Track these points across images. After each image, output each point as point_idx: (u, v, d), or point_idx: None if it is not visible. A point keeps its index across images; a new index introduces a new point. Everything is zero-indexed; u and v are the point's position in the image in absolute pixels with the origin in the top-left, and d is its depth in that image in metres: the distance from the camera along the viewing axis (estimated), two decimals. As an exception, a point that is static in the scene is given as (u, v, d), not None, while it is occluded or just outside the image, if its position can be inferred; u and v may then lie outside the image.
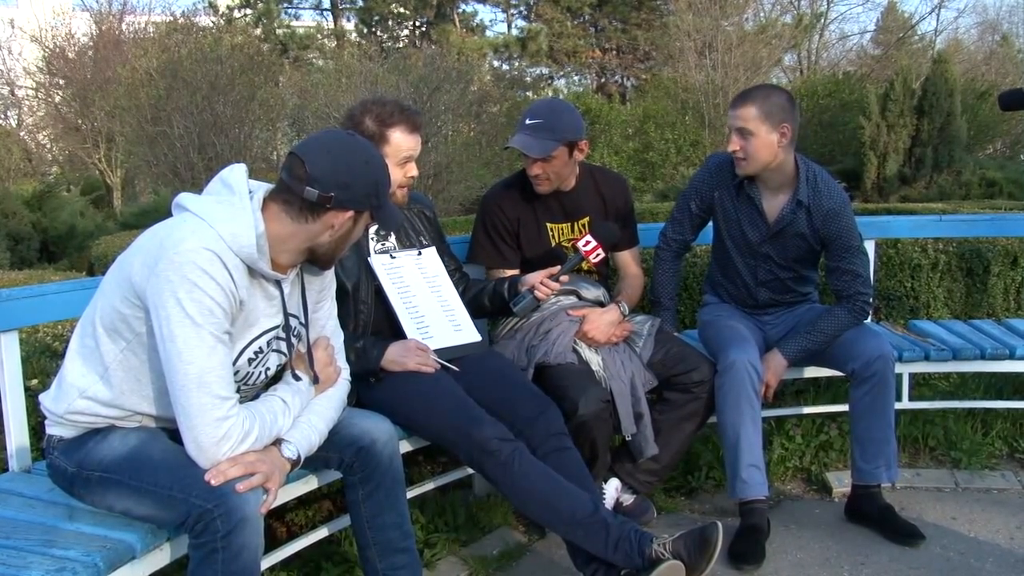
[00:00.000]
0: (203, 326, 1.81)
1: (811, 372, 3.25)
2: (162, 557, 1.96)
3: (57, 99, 20.57)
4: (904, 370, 3.35)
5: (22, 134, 22.63)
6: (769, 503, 2.91)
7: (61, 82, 20.36)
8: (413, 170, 2.70)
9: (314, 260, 2.05)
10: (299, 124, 14.83)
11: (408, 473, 3.11)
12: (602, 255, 2.84)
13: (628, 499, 3.02)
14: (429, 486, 2.90)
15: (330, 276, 2.22)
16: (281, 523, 2.98)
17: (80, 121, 19.47)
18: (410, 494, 2.80)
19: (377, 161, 2.03)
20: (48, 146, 23.16)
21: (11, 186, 15.21)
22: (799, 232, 2.94)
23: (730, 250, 3.10)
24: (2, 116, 23.08)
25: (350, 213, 1.96)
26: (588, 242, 2.81)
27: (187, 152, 12.90)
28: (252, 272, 1.92)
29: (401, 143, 2.66)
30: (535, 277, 2.79)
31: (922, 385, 3.93)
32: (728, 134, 2.89)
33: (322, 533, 2.60)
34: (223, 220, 1.86)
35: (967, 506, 3.14)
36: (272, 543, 2.55)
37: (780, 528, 2.94)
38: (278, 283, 2.00)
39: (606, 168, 3.46)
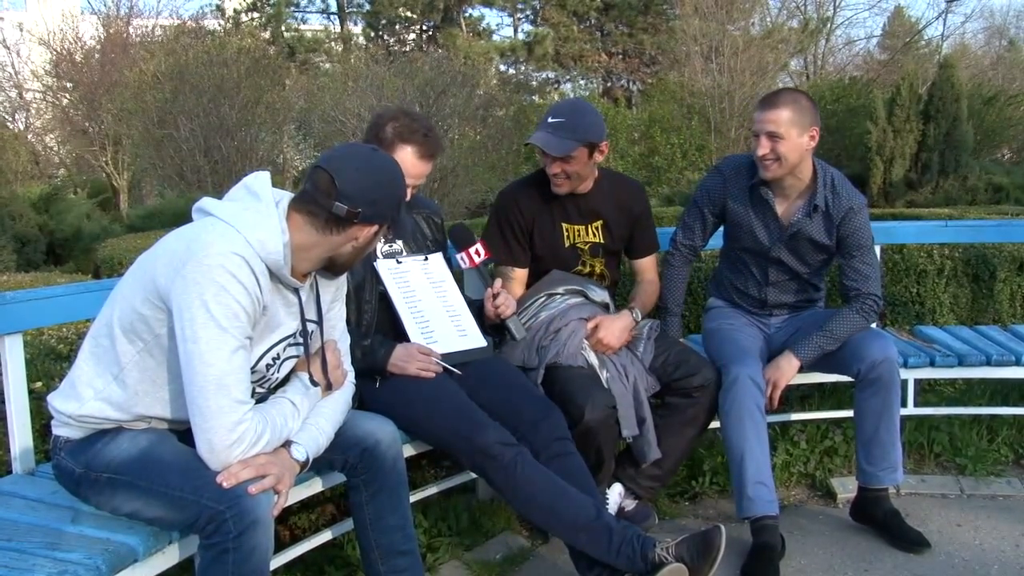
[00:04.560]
0: (228, 330, 1.83)
1: (817, 378, 3.24)
2: (165, 560, 1.97)
3: (65, 102, 20.63)
4: (909, 376, 3.34)
5: (30, 137, 22.71)
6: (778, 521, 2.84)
7: (69, 85, 20.42)
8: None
9: (330, 267, 2.08)
10: (305, 128, 14.88)
11: (411, 477, 3.11)
12: (481, 250, 2.82)
13: (630, 505, 3.01)
14: (432, 490, 2.90)
15: (342, 280, 2.24)
16: (284, 526, 2.98)
17: (87, 124, 19.53)
18: (413, 498, 2.79)
19: (400, 178, 2.08)
20: (55, 149, 23.24)
21: (18, 188, 15.23)
22: (811, 237, 2.95)
23: (741, 253, 3.11)
24: (10, 119, 23.15)
25: (375, 227, 2.01)
26: (462, 259, 2.84)
27: (193, 155, 12.95)
28: (273, 278, 1.95)
29: (408, 166, 2.57)
30: (489, 308, 2.78)
31: (928, 391, 3.92)
32: (756, 138, 2.87)
33: (325, 536, 2.61)
34: (251, 227, 1.88)
35: (972, 513, 3.13)
36: (276, 546, 2.54)
37: (784, 534, 2.92)
38: (296, 290, 2.02)
39: (624, 174, 3.45)
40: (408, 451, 2.60)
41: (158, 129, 13.13)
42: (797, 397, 3.79)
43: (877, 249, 3.66)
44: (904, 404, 3.41)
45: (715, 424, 2.98)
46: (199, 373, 1.82)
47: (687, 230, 3.18)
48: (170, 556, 1.97)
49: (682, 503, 3.30)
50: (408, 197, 2.65)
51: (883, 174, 14.22)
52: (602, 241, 3.11)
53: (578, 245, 3.09)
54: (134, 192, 20.18)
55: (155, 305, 1.87)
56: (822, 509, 3.22)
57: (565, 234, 3.07)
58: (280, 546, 2.55)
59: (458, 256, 2.84)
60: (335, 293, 2.20)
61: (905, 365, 3.26)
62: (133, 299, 1.90)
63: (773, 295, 3.12)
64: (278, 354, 2.03)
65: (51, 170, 22.76)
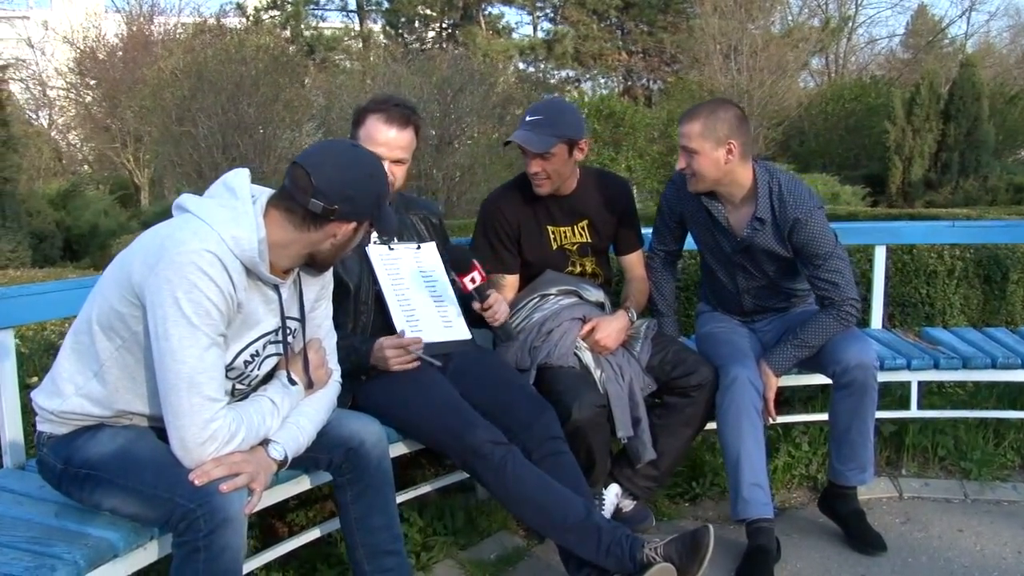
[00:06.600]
0: (199, 327, 1.82)
1: (818, 379, 3.20)
2: (146, 556, 1.97)
3: (87, 99, 20.84)
4: (912, 378, 3.30)
5: (53, 133, 22.95)
6: (774, 524, 2.81)
7: (92, 82, 20.63)
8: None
9: (312, 264, 2.07)
10: (325, 125, 14.95)
11: (411, 475, 3.11)
12: (477, 278, 2.69)
13: (628, 505, 2.99)
14: (425, 488, 2.88)
15: (328, 278, 2.23)
16: (283, 523, 2.99)
17: (109, 121, 19.72)
18: (408, 496, 2.79)
19: (380, 173, 2.05)
20: (78, 146, 23.47)
21: (40, 185, 15.42)
22: (765, 248, 2.88)
23: (709, 260, 3.09)
24: (34, 116, 23.39)
25: (353, 224, 1.99)
26: (459, 284, 2.72)
27: (211, 152, 13.04)
28: (251, 275, 1.94)
29: (373, 133, 2.63)
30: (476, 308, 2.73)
31: (934, 394, 3.86)
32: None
33: (314, 534, 2.59)
34: (225, 223, 1.88)
35: (975, 518, 3.09)
36: (271, 543, 2.55)
37: (781, 537, 2.88)
38: (276, 287, 2.01)
39: (608, 171, 3.44)
40: (401, 449, 2.59)
41: (177, 126, 13.24)
42: (800, 399, 3.75)
43: (883, 250, 3.64)
44: (907, 407, 3.39)
45: (712, 425, 2.96)
46: (171, 370, 1.82)
47: (658, 235, 3.17)
48: (151, 552, 1.97)
49: (682, 504, 3.27)
50: (393, 178, 2.62)
51: (902, 174, 14.14)
52: (589, 240, 3.09)
53: (566, 247, 3.07)
54: (155, 189, 20.34)
55: (131, 302, 1.87)
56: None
57: (551, 236, 3.05)
58: (279, 542, 2.55)
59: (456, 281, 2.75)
60: (320, 292, 2.19)
61: (908, 367, 3.22)
62: (111, 296, 1.91)
63: (748, 301, 3.07)
64: (257, 351, 2.02)
65: (74, 167, 22.99)
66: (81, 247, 12.01)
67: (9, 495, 2.12)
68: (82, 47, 20.89)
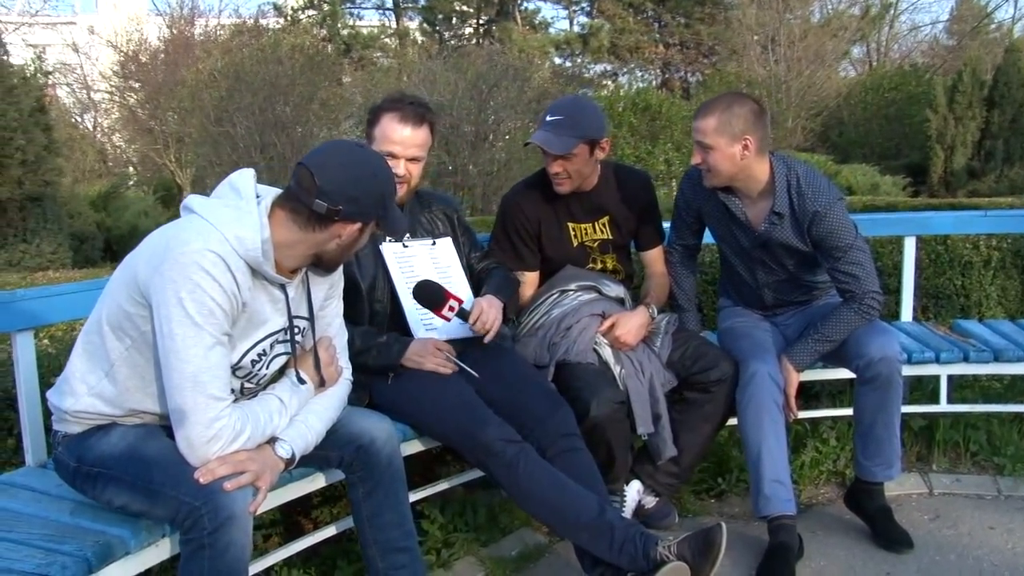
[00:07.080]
0: (203, 327, 1.84)
1: (844, 373, 3.15)
2: (158, 553, 1.99)
3: (131, 101, 21.14)
4: (942, 372, 3.23)
5: (98, 136, 23.35)
6: (796, 521, 2.77)
7: (135, 85, 20.93)
8: (400, 168, 2.60)
9: (319, 264, 2.08)
10: (363, 123, 15.01)
11: (436, 472, 3.11)
12: (455, 305, 2.60)
13: (650, 502, 2.97)
14: (443, 485, 2.87)
15: (338, 275, 2.24)
16: (308, 520, 3.01)
17: (152, 123, 19.98)
18: (427, 493, 2.79)
19: (384, 173, 2.05)
20: (123, 148, 23.84)
21: (85, 187, 15.67)
22: (784, 242, 2.83)
23: (728, 255, 3.04)
24: (80, 119, 23.81)
25: (358, 224, 1.99)
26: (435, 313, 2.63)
27: (249, 152, 13.13)
28: (257, 275, 1.95)
29: (388, 131, 2.62)
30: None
31: (967, 388, 3.77)
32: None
33: (330, 531, 2.60)
34: (229, 223, 1.89)
35: (1007, 515, 3.01)
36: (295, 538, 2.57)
37: (806, 534, 2.85)
38: (283, 287, 2.02)
39: (628, 165, 3.40)
40: (417, 447, 2.59)
41: (215, 127, 13.36)
42: (828, 393, 3.70)
43: (912, 241, 3.56)
44: (936, 400, 3.33)
45: (734, 421, 2.92)
46: (175, 370, 1.84)
47: (676, 230, 3.14)
48: (162, 550, 1.99)
49: (708, 501, 3.24)
50: (409, 176, 2.63)
51: (944, 163, 13.86)
52: (610, 237, 3.06)
53: (586, 243, 3.04)
54: (197, 189, 20.57)
55: (138, 302, 1.90)
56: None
57: (572, 233, 3.03)
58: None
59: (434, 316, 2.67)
60: (329, 291, 2.20)
61: (937, 360, 3.16)
62: (119, 296, 1.93)
63: (768, 295, 3.03)
64: (264, 350, 2.04)
65: (119, 168, 23.34)
66: (121, 248, 12.12)
67: (28, 493, 2.16)
68: (125, 51, 21.20)
